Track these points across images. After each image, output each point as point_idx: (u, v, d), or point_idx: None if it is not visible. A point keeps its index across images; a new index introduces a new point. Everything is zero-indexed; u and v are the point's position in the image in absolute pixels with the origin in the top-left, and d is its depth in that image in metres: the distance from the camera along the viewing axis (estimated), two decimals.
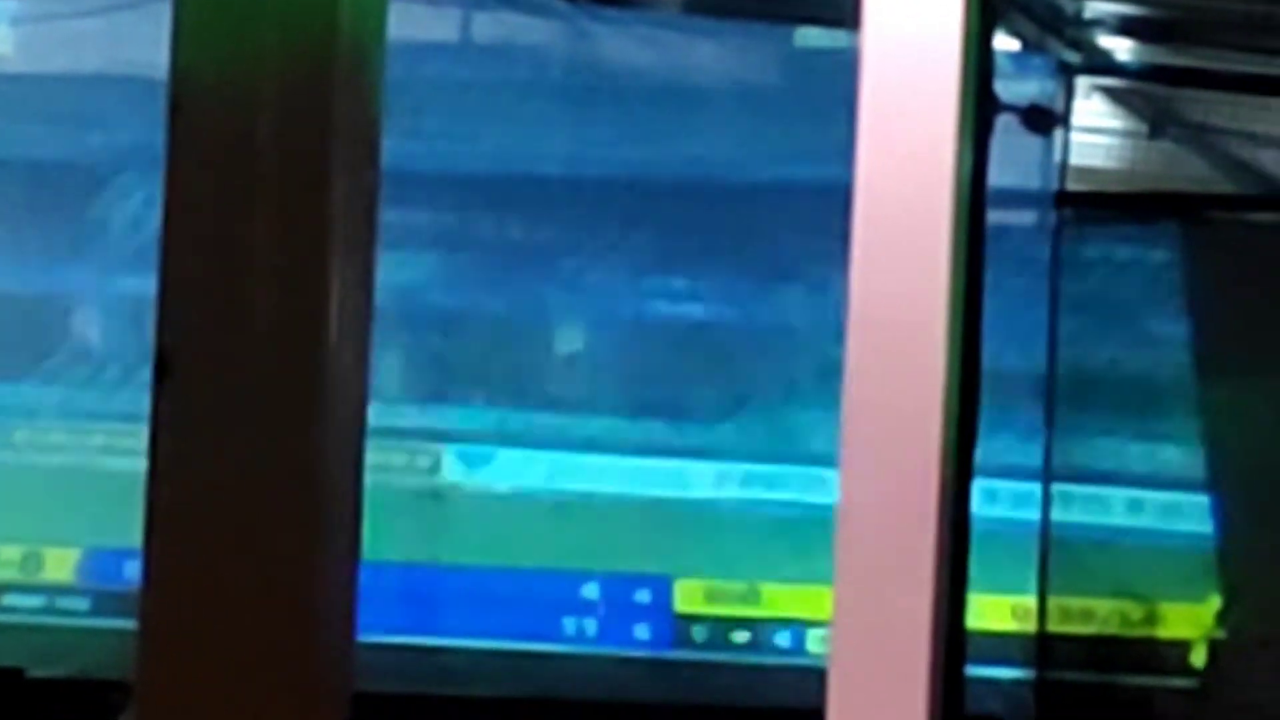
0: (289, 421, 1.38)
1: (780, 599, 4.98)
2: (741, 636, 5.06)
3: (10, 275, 5.00)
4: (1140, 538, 4.90)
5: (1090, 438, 4.91)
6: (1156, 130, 6.50)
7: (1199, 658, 4.85)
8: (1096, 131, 6.35)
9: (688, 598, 5.05)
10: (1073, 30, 5.98)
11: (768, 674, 4.97)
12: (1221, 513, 4.83)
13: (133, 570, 3.45)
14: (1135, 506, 4.91)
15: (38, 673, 5.25)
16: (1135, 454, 5.01)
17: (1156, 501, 4.90)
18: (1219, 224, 5.62)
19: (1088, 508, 4.92)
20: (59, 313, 5.23)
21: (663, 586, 5.01)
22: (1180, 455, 4.94)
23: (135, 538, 1.56)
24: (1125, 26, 6.02)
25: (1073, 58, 5.97)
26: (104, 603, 5.26)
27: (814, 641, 4.71)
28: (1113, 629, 5.03)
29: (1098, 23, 5.99)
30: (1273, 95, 5.56)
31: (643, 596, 4.99)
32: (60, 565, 5.31)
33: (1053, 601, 4.85)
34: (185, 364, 1.41)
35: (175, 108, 1.38)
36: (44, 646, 5.45)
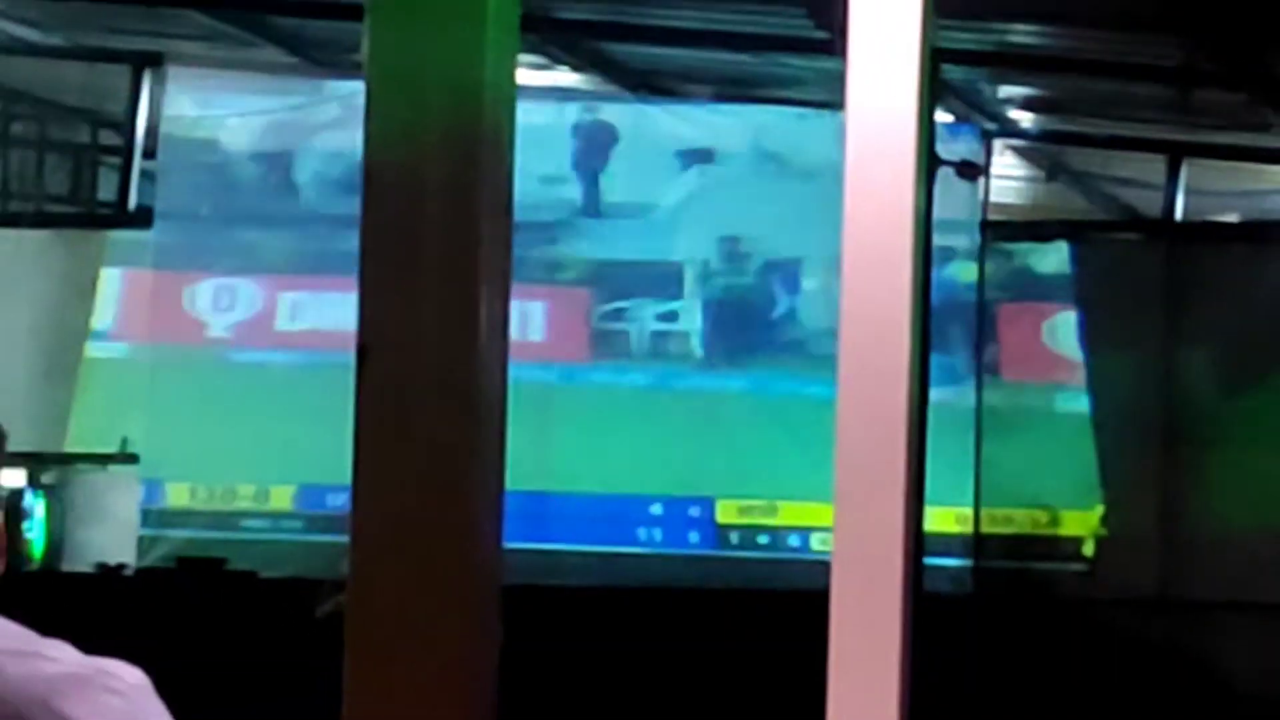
0: (454, 390, 1.74)
1: (793, 512, 6.44)
2: (764, 539, 6.50)
3: None
4: (1049, 463, 6.32)
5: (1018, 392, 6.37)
6: (1051, 176, 7.87)
7: (1089, 550, 6.32)
8: (1008, 178, 7.60)
9: (726, 513, 6.51)
10: (990, 106, 7.18)
11: (783, 566, 6.38)
12: (1103, 446, 6.27)
13: (333, 500, 5.09)
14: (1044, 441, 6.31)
15: (267, 574, 6.46)
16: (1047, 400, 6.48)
17: (1057, 439, 6.30)
18: (1097, 242, 6.92)
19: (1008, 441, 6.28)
20: None
21: (708, 505, 6.47)
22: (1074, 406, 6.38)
23: (335, 477, 2.61)
24: (1026, 103, 7.35)
25: (990, 126, 7.24)
26: (313, 524, 6.57)
27: (817, 542, 6.20)
28: (1027, 530, 6.61)
29: (1008, 101, 7.29)
30: (1133, 150, 6.78)
31: (694, 512, 6.42)
32: (282, 498, 6.69)
33: (985, 511, 6.35)
34: (377, 353, 1.80)
35: (368, 175, 1.76)
36: (270, 555, 6.63)
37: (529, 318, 6.28)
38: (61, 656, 1.42)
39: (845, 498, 1.98)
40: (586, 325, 6.83)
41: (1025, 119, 7.74)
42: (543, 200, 6.40)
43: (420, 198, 1.76)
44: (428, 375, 1.78)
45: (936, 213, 4.79)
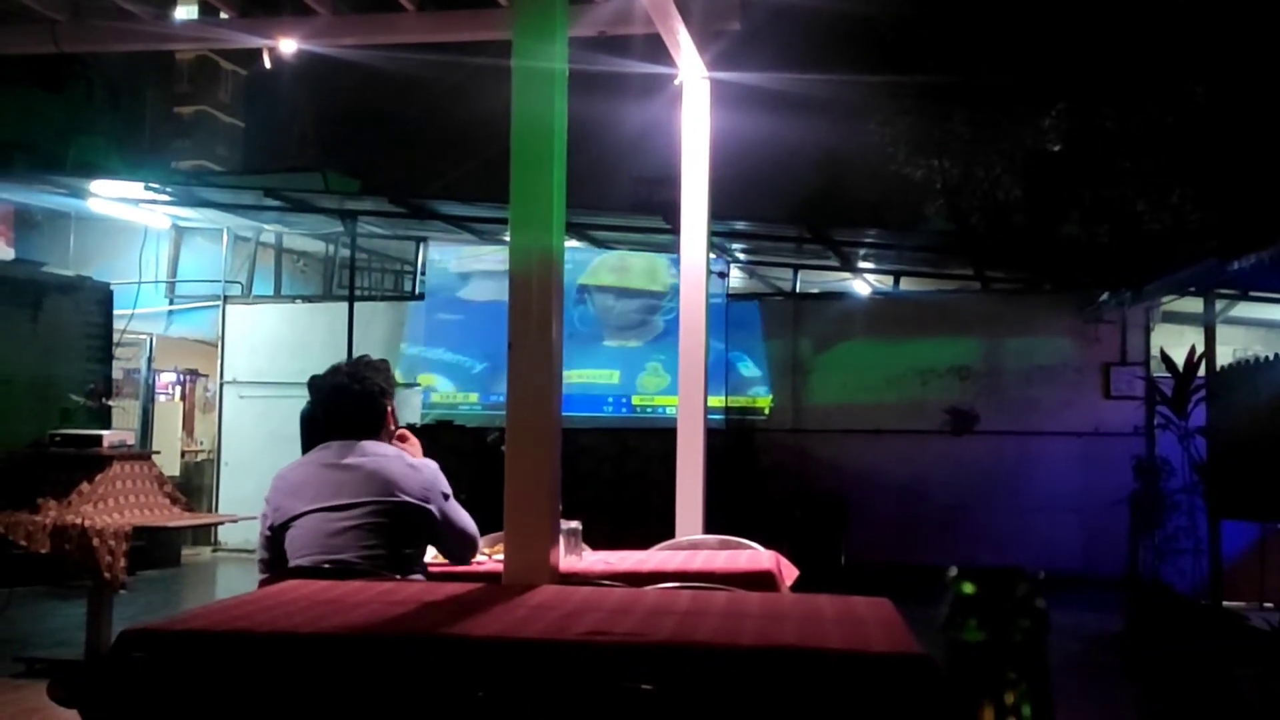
0: (544, 355, 3.28)
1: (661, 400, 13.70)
2: (650, 411, 13.75)
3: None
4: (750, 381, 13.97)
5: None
6: (750, 275, 14.74)
7: (766, 411, 14.12)
8: (736, 277, 14.08)
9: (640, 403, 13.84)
10: (728, 250, 13.28)
11: (658, 420, 13.47)
12: (772, 374, 13.97)
13: (497, 402, 12.76)
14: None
15: (468, 425, 13.26)
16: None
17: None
18: (768, 301, 13.94)
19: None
20: None
21: (628, 395, 13.78)
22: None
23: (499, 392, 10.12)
24: (742, 249, 13.49)
25: (729, 258, 13.17)
26: (490, 410, 13.47)
27: (672, 411, 13.28)
28: (744, 405, 13.81)
29: (735, 248, 13.33)
30: (779, 267, 14.06)
31: (623, 399, 13.67)
32: (471, 398, 13.82)
33: (730, 397, 13.51)
34: (518, 348, 3.30)
35: (512, 275, 3.31)
36: (468, 419, 13.06)
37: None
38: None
39: (683, 393, 6.22)
40: None
41: (741, 255, 13.55)
42: None
43: (531, 284, 3.33)
44: (533, 353, 3.32)
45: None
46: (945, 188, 20.31)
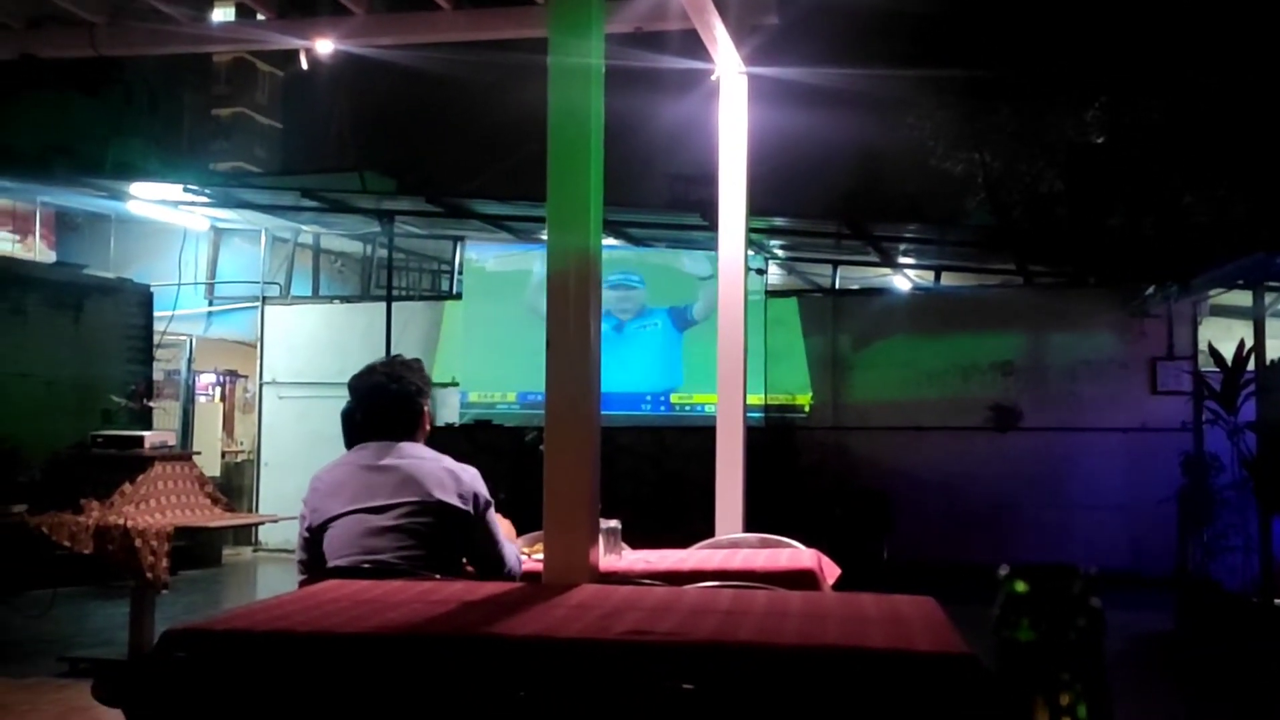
0: (582, 353, 3.27)
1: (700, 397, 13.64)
2: (688, 409, 13.71)
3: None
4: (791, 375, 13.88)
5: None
6: (789, 272, 14.83)
7: (806, 409, 14.02)
8: (774, 274, 13.97)
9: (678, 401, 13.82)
10: (766, 247, 13.18)
11: (696, 418, 13.45)
12: (814, 371, 13.90)
13: (531, 398, 13.30)
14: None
15: (505, 424, 13.24)
16: None
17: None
18: (807, 297, 13.93)
19: None
20: None
21: (668, 395, 13.79)
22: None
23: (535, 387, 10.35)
24: (780, 245, 13.61)
25: (768, 256, 13.47)
26: (527, 409, 13.43)
27: (710, 409, 13.14)
28: (783, 402, 13.80)
29: (773, 244, 13.41)
30: (818, 263, 13.90)
31: (661, 397, 13.73)
32: (508, 397, 13.85)
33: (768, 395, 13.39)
34: (556, 347, 3.31)
35: (551, 271, 3.33)
36: (505, 418, 13.23)
37: None
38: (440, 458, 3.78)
39: (722, 391, 6.18)
40: None
41: (779, 251, 13.57)
42: None
43: (569, 283, 3.34)
44: (572, 352, 3.33)
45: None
46: (986, 181, 20.16)
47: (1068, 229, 17.58)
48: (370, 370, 4.10)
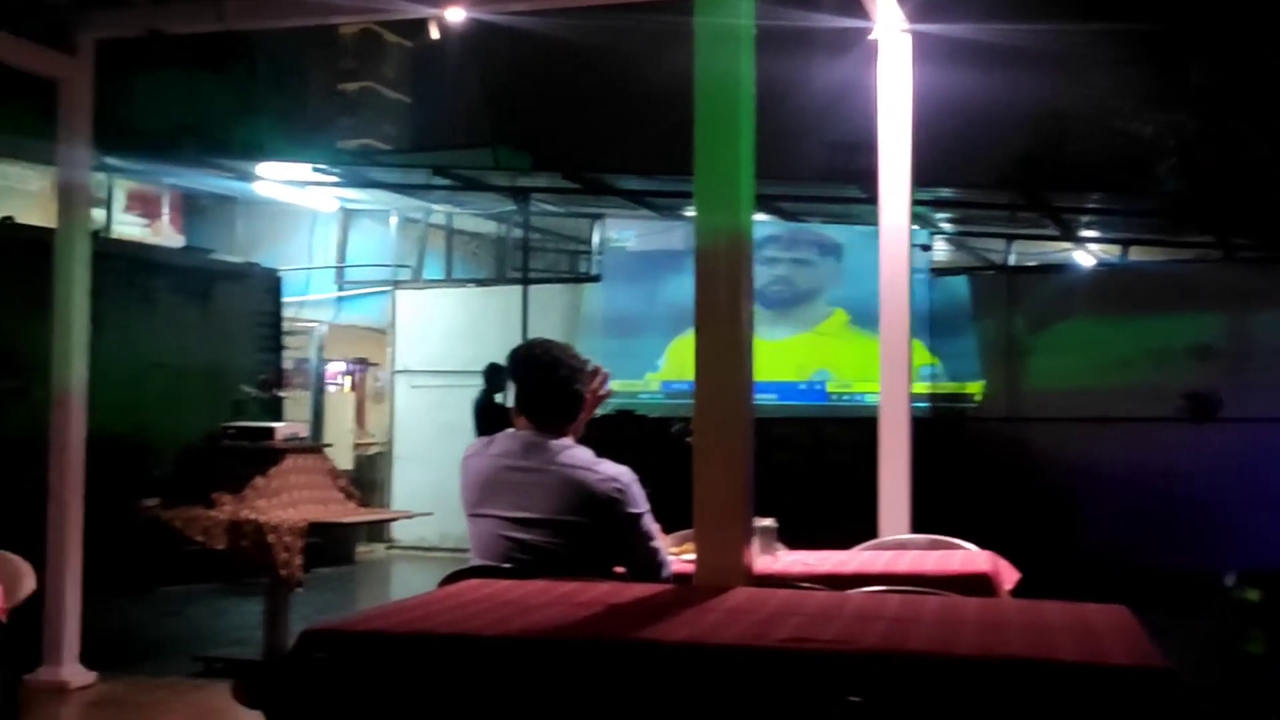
0: (733, 341, 3.24)
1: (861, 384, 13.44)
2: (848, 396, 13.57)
3: None
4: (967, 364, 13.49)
5: None
6: (958, 248, 14.18)
7: (978, 398, 13.66)
8: (939, 250, 13.83)
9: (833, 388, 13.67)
10: (932, 221, 12.97)
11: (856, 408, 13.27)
12: (983, 358, 13.54)
13: (677, 387, 13.13)
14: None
15: (650, 415, 13.37)
16: None
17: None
18: (977, 275, 13.67)
19: None
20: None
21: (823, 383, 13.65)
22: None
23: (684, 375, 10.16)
24: (948, 219, 13.36)
25: (934, 230, 13.27)
26: (672, 399, 13.38)
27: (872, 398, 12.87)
28: (953, 391, 13.52)
29: (939, 218, 13.20)
30: (989, 238, 13.47)
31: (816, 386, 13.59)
32: (653, 386, 13.88)
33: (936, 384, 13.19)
34: (706, 332, 3.31)
35: (699, 251, 3.34)
36: (650, 408, 13.00)
37: None
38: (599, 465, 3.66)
39: (885, 379, 6.10)
40: None
41: (946, 225, 13.53)
42: None
43: (719, 263, 3.31)
44: (723, 337, 3.31)
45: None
46: (1180, 145, 19.47)
47: (1274, 197, 16.89)
48: (529, 347, 4.06)
